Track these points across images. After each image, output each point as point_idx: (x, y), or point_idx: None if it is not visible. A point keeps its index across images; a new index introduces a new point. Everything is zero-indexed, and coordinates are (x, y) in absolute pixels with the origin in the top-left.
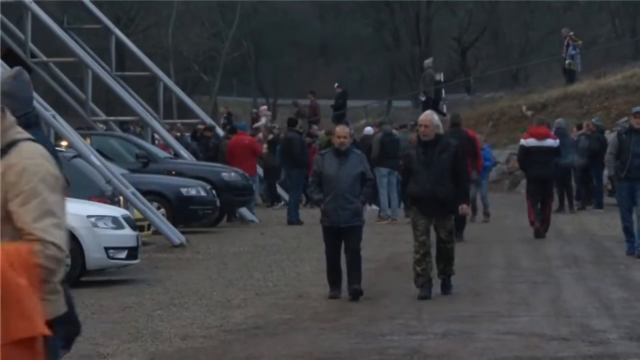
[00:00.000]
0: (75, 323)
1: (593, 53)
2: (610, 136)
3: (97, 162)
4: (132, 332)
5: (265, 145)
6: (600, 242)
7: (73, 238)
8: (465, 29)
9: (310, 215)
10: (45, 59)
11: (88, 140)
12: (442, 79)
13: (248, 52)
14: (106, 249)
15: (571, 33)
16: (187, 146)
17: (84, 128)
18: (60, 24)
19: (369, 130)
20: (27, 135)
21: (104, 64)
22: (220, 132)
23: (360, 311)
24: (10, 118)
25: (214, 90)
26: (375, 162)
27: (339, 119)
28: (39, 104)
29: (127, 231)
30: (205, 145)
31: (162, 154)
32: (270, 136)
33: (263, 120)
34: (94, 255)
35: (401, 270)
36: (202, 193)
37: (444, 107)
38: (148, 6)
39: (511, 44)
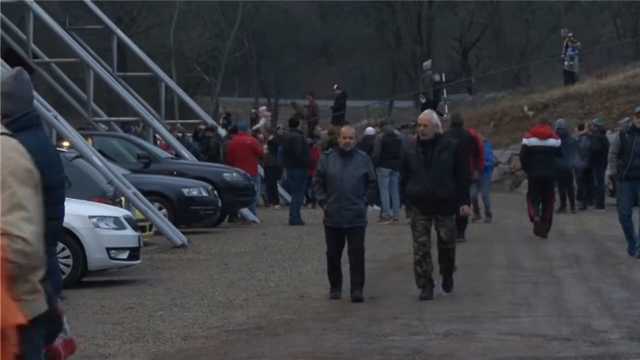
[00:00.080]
0: (57, 320)
1: (595, 53)
2: (611, 136)
3: (99, 163)
4: (133, 332)
5: (265, 146)
6: (601, 242)
7: (75, 238)
8: (467, 29)
9: (312, 215)
10: (47, 59)
11: (90, 141)
12: (444, 79)
13: (250, 52)
14: (108, 249)
15: (570, 34)
16: (188, 146)
17: (85, 128)
18: (62, 25)
19: (370, 130)
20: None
21: (105, 65)
22: (222, 132)
23: (362, 311)
24: None
25: (216, 90)
26: (376, 162)
27: (338, 120)
28: (41, 104)
29: (129, 232)
30: (206, 145)
31: (163, 154)
32: (271, 137)
33: (262, 121)
34: (95, 256)
35: (403, 270)
36: (204, 193)
37: (446, 107)
38: (150, 6)
39: (512, 44)
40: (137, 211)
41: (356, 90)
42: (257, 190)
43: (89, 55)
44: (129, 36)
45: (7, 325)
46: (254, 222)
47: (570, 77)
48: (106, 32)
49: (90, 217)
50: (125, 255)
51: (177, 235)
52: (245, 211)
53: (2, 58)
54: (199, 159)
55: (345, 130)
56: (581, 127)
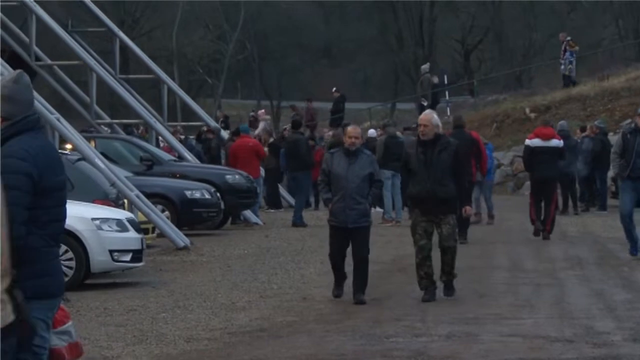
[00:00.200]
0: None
1: (597, 55)
2: (613, 138)
3: (102, 165)
4: (136, 334)
5: (265, 149)
6: (603, 244)
7: (78, 241)
8: (469, 31)
9: (314, 217)
10: (49, 62)
11: (92, 143)
12: (446, 81)
13: (252, 55)
14: (111, 251)
15: (568, 38)
16: (191, 149)
17: (88, 131)
18: (65, 27)
19: (372, 132)
20: None
21: (108, 67)
22: (225, 134)
23: (364, 313)
24: None
25: (218, 92)
26: (379, 164)
27: (337, 123)
28: (44, 106)
29: (132, 234)
30: (206, 147)
31: (166, 156)
32: (271, 139)
33: (261, 125)
34: (98, 258)
35: (405, 272)
36: (207, 196)
37: (448, 109)
38: (152, 9)
39: (515, 46)
40: (139, 213)
41: (358, 92)
42: (260, 193)
43: (91, 57)
44: (132, 39)
45: None
46: (256, 224)
47: (568, 81)
48: (109, 35)
49: (93, 219)
50: (128, 257)
51: (179, 237)
52: (247, 213)
53: (5, 61)
54: (201, 161)
55: (351, 129)
56: (583, 129)
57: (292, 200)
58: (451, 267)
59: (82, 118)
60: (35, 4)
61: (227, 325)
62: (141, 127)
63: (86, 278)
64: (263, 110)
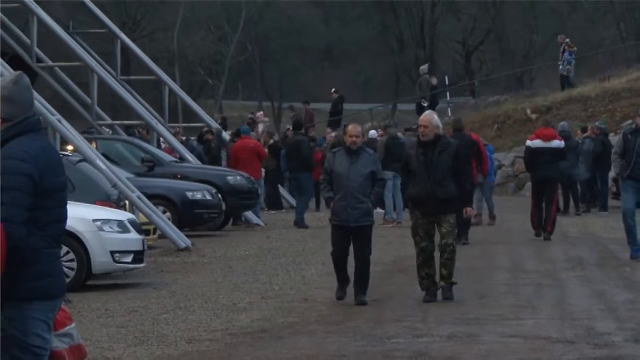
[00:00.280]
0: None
1: (598, 56)
2: (614, 139)
3: (103, 166)
4: (138, 335)
5: (266, 150)
6: (605, 245)
7: (79, 242)
8: (470, 32)
9: (316, 219)
10: (51, 63)
11: (94, 145)
12: (447, 82)
13: (253, 56)
14: (112, 253)
15: (567, 40)
16: (192, 150)
17: (89, 132)
18: (66, 29)
19: (373, 134)
20: None
21: (109, 69)
22: (226, 136)
23: (366, 314)
24: None
25: (220, 94)
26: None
27: (336, 124)
28: (45, 108)
29: (133, 235)
30: (207, 148)
31: (167, 158)
32: (272, 141)
33: (261, 127)
34: (100, 259)
35: (407, 273)
36: (208, 197)
37: (449, 110)
38: (153, 11)
39: (516, 48)
40: (141, 215)
41: (360, 94)
42: (261, 194)
43: (93, 59)
44: (133, 40)
45: None
46: (258, 225)
47: (566, 82)
48: (110, 37)
49: (95, 220)
50: (129, 258)
51: (181, 238)
52: (249, 214)
53: (7, 62)
54: (203, 162)
55: (352, 128)
56: (584, 130)
57: (293, 202)
58: (450, 272)
59: (84, 119)
60: (36, 5)
61: (229, 327)
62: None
63: (88, 279)
64: (262, 113)
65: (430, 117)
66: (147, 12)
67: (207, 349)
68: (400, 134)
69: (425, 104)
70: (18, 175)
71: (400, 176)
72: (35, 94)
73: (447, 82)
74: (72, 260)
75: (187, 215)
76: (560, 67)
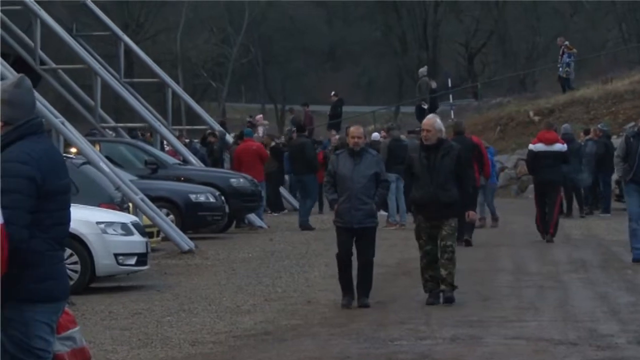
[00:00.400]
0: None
1: (600, 58)
2: (617, 141)
3: (106, 169)
4: (141, 338)
5: (267, 153)
6: (607, 247)
7: (82, 244)
8: (473, 34)
9: (319, 221)
10: (54, 66)
11: (97, 147)
12: (450, 84)
13: (256, 58)
14: (115, 255)
15: (566, 42)
16: (195, 152)
17: (92, 134)
18: (69, 31)
19: (376, 136)
20: None
21: (112, 71)
22: (229, 138)
23: (369, 316)
24: None
25: (223, 96)
26: None
27: (335, 127)
28: (48, 110)
29: (136, 237)
30: (209, 150)
31: (171, 160)
32: (273, 143)
33: (260, 130)
34: (103, 262)
35: (410, 275)
36: (211, 199)
37: (452, 112)
38: (156, 13)
39: (518, 50)
40: (144, 217)
41: (363, 96)
42: (264, 196)
43: (96, 61)
44: (136, 42)
45: None
46: (261, 227)
47: (566, 84)
48: (113, 39)
49: (98, 223)
50: (133, 261)
51: (184, 241)
52: (252, 217)
53: (10, 64)
54: (206, 164)
55: (354, 129)
56: (587, 132)
57: (295, 203)
58: (450, 273)
59: (87, 122)
60: (39, 8)
61: (232, 329)
62: (146, 133)
63: (91, 281)
64: (261, 116)
65: (432, 120)
66: (150, 11)
67: (210, 351)
68: (403, 136)
69: (425, 106)
70: (18, 178)
71: (403, 178)
72: (38, 96)
73: (449, 84)
74: (75, 263)
75: (191, 217)
76: (560, 69)
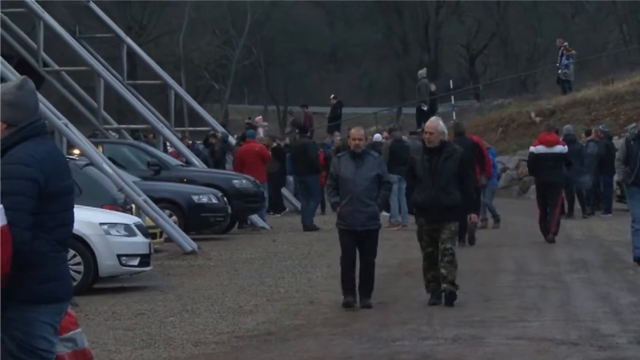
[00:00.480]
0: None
1: (602, 59)
2: (618, 142)
3: (109, 170)
4: (144, 338)
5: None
6: (609, 248)
7: (86, 245)
8: (474, 36)
9: (322, 222)
10: (57, 68)
11: (100, 149)
12: (452, 85)
13: (258, 60)
14: (118, 256)
15: (565, 43)
16: (198, 153)
17: (96, 136)
18: (72, 33)
19: (378, 137)
20: None
21: (115, 73)
22: (232, 140)
23: (371, 317)
24: None
25: (225, 98)
26: None
27: (335, 129)
28: (52, 112)
29: (139, 238)
30: (211, 152)
31: (173, 161)
32: (274, 144)
33: (261, 131)
34: (106, 263)
35: (412, 276)
36: (214, 200)
37: (454, 114)
38: (159, 12)
39: (520, 51)
40: (147, 218)
41: (364, 97)
42: (267, 197)
43: (99, 63)
44: (139, 45)
45: None
46: (263, 228)
47: (566, 86)
48: (116, 41)
49: (101, 224)
50: (136, 261)
51: (187, 241)
52: (254, 218)
53: (14, 67)
54: (208, 166)
55: (354, 131)
56: (588, 133)
57: (297, 204)
58: (450, 273)
59: (90, 123)
60: (43, 10)
61: (235, 329)
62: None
63: (94, 282)
64: (260, 117)
65: (435, 123)
66: (152, 14)
67: (213, 352)
68: (404, 137)
69: (425, 108)
70: (21, 180)
71: (405, 180)
72: (41, 98)
73: (451, 86)
74: (78, 264)
75: (193, 218)
76: (560, 71)
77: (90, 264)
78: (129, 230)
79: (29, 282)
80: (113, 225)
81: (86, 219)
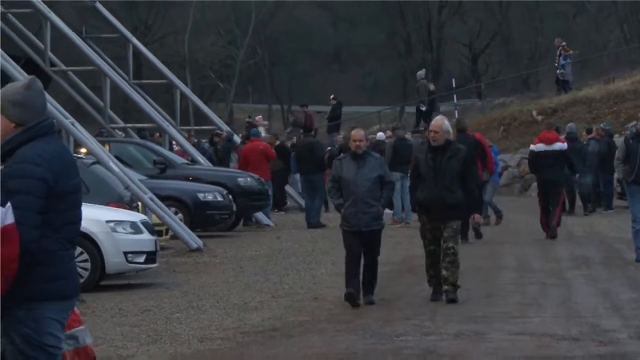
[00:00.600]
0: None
1: (603, 58)
2: (619, 140)
3: (116, 169)
4: (151, 334)
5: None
6: (610, 244)
7: (93, 243)
8: (476, 35)
9: (325, 219)
10: (64, 67)
11: (107, 147)
12: (454, 84)
13: (263, 60)
14: (125, 253)
15: (563, 43)
16: (203, 152)
17: (102, 134)
18: (79, 34)
19: (381, 135)
20: None
21: (121, 72)
22: (237, 139)
23: (375, 313)
24: None
25: (230, 97)
26: (388, 166)
27: (335, 129)
28: (59, 111)
29: (146, 236)
30: (215, 150)
31: (179, 160)
32: (277, 142)
33: (262, 130)
34: (113, 260)
35: (415, 272)
36: (219, 198)
37: (456, 112)
38: (164, 12)
39: (521, 50)
40: (153, 216)
41: (368, 96)
42: (271, 195)
43: (105, 63)
44: (144, 44)
45: None
46: (268, 225)
47: (564, 85)
48: (122, 41)
49: (108, 221)
50: (142, 259)
51: (193, 239)
52: (259, 215)
53: (21, 66)
54: (214, 164)
55: (355, 133)
56: (589, 132)
57: (302, 202)
58: (452, 274)
59: (97, 122)
60: (49, 11)
61: (240, 325)
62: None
63: (101, 279)
64: (260, 117)
65: (440, 122)
66: (158, 14)
67: (218, 347)
68: (408, 136)
69: (423, 108)
70: (30, 179)
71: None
72: (49, 98)
73: (453, 85)
74: (85, 261)
75: (199, 216)
76: (558, 71)
77: (97, 261)
78: (135, 227)
79: (37, 280)
80: (119, 222)
81: (93, 216)
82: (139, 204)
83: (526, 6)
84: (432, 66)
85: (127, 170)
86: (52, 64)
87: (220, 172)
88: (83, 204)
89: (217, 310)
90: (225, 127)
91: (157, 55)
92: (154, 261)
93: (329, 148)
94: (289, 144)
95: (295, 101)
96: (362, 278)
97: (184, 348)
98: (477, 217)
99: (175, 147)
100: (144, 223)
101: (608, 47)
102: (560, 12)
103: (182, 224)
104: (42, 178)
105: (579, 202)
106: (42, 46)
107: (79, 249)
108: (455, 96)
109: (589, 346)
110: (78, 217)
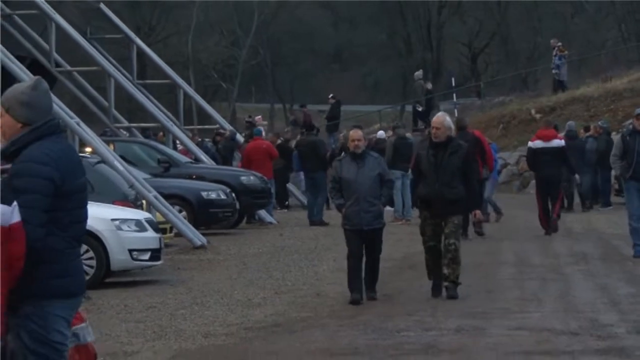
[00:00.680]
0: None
1: (600, 57)
2: (617, 138)
3: (121, 167)
4: (156, 330)
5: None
6: (608, 240)
7: (98, 240)
8: (476, 35)
9: (327, 217)
10: (69, 68)
11: (111, 147)
12: (454, 83)
13: (265, 60)
14: (130, 250)
15: (559, 44)
16: (207, 151)
17: (107, 134)
18: (84, 34)
19: (381, 134)
20: None
21: (126, 73)
22: (240, 138)
23: (376, 308)
24: None
25: (233, 97)
26: (388, 165)
27: (333, 129)
28: (64, 111)
29: (150, 233)
30: (217, 149)
31: (183, 159)
32: (279, 141)
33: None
34: (118, 257)
35: (416, 269)
36: (222, 196)
37: (456, 111)
38: (168, 16)
39: (520, 49)
40: (158, 214)
41: (369, 96)
42: (274, 193)
43: (109, 64)
44: (148, 45)
45: None
46: (271, 223)
47: (560, 85)
48: (126, 42)
49: (113, 219)
50: (147, 256)
51: (196, 236)
52: (262, 213)
53: (27, 67)
54: (217, 163)
55: (353, 133)
56: (587, 129)
57: (304, 200)
58: (454, 271)
59: (102, 122)
60: (54, 12)
61: (244, 321)
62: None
63: (106, 276)
64: (260, 117)
65: (442, 118)
66: (161, 15)
67: (222, 343)
68: (408, 134)
69: (420, 109)
70: (37, 178)
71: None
72: (54, 98)
73: (453, 84)
74: (91, 258)
75: (202, 214)
76: (554, 71)
77: (102, 258)
78: (140, 225)
79: (44, 277)
80: (124, 220)
81: (98, 215)
82: (144, 202)
83: (525, 6)
84: (432, 66)
85: (131, 169)
86: (57, 65)
87: (223, 170)
88: (88, 202)
89: (221, 307)
90: (229, 127)
91: (161, 55)
92: (158, 258)
93: (333, 147)
94: (292, 142)
95: (297, 101)
96: (364, 276)
97: (189, 344)
98: (478, 213)
99: (179, 146)
100: (149, 221)
101: (606, 46)
102: (558, 12)
103: (186, 221)
104: (49, 177)
105: (577, 199)
106: (47, 47)
107: (84, 247)
108: (455, 95)
109: (588, 340)
110: (84, 216)
